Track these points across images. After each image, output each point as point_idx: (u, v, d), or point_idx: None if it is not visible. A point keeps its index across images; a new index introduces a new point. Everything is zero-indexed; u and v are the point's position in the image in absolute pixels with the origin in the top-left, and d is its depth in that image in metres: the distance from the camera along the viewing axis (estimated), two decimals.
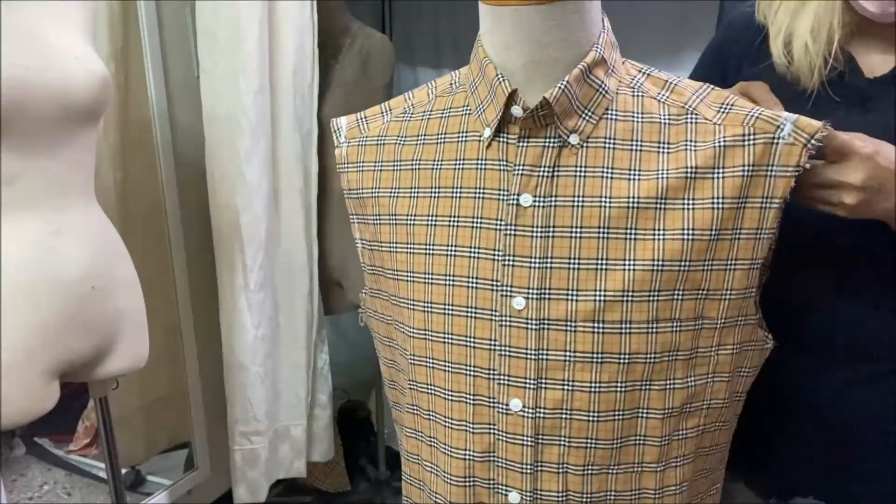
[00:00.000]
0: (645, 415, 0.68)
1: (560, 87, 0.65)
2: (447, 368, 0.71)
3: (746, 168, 0.65)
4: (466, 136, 0.71)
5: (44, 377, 1.04)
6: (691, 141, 0.66)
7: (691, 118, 0.67)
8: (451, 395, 0.71)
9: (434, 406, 0.73)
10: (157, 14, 1.50)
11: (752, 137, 0.65)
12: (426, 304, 0.71)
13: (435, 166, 0.72)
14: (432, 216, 0.71)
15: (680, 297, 0.66)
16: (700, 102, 0.68)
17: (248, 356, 1.62)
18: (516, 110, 0.66)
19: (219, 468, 1.79)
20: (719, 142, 0.65)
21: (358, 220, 0.79)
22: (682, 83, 0.70)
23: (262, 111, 1.50)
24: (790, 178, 0.64)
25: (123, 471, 1.60)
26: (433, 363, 0.72)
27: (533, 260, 0.66)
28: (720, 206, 0.65)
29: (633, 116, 0.68)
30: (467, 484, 0.72)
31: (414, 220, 0.71)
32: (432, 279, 0.70)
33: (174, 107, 1.57)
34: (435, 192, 0.71)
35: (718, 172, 0.65)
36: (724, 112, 0.67)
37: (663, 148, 0.66)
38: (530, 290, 0.66)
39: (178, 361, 1.69)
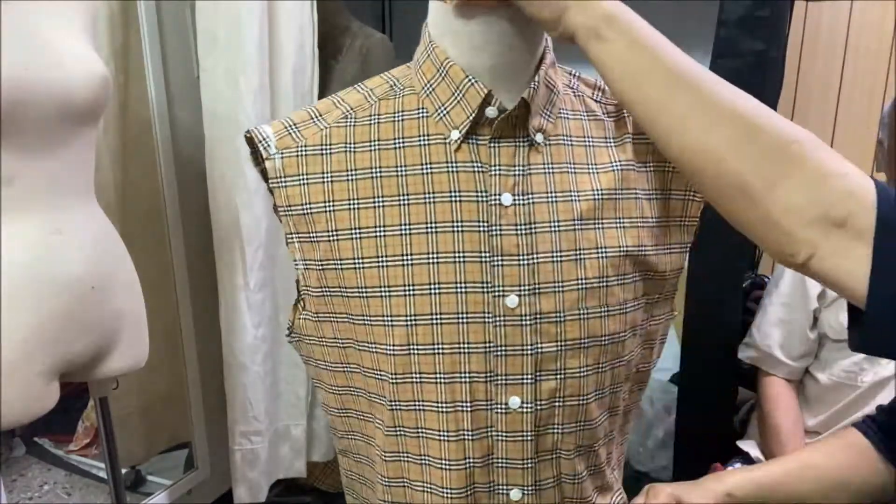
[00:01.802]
0: (619, 389, 0.74)
1: (533, 88, 0.67)
2: (438, 380, 0.68)
3: (669, 164, 0.72)
4: (429, 140, 0.69)
5: (44, 377, 1.04)
6: (630, 133, 0.73)
7: (627, 113, 0.73)
8: (446, 407, 0.69)
9: (424, 422, 0.70)
10: (157, 14, 1.50)
11: None
12: (408, 318, 0.67)
13: (399, 172, 0.68)
14: (405, 225, 0.67)
15: (640, 279, 0.72)
16: None
17: (248, 356, 1.61)
18: (491, 111, 0.67)
19: (219, 468, 1.79)
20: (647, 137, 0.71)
21: (301, 238, 0.71)
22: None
23: (262, 111, 1.50)
24: None
25: (123, 471, 1.60)
26: (421, 378, 0.69)
27: (521, 257, 0.67)
28: (655, 196, 0.72)
29: (581, 115, 0.72)
30: (468, 493, 0.71)
31: (384, 230, 0.67)
32: (414, 290, 0.67)
33: (174, 107, 1.57)
34: (404, 200, 0.68)
35: (649, 167, 0.73)
36: None
37: (609, 143, 0.72)
38: (521, 287, 0.67)
39: (178, 361, 1.69)
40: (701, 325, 1.46)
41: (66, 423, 1.97)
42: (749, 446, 1.39)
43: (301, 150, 0.70)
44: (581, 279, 0.68)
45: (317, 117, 0.72)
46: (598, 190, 0.69)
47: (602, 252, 0.69)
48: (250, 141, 0.73)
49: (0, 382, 0.98)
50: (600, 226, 0.69)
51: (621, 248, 0.69)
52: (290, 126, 0.71)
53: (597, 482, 0.76)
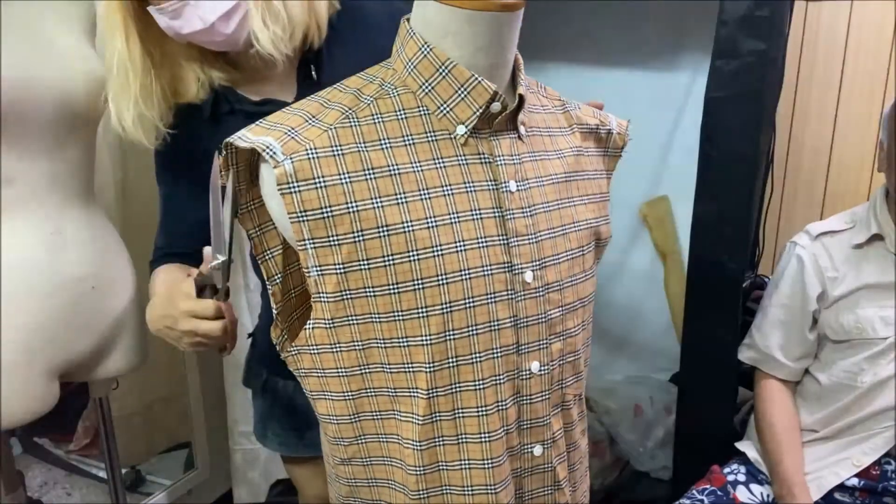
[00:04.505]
0: (590, 342, 0.87)
1: (525, 85, 0.77)
2: (475, 360, 0.73)
3: (601, 149, 0.88)
4: (436, 136, 0.73)
5: (44, 377, 1.04)
6: (576, 124, 0.85)
7: (572, 106, 0.86)
8: (483, 384, 0.74)
9: (461, 402, 0.74)
10: None
11: (603, 127, 0.88)
12: (443, 306, 0.71)
13: (415, 168, 0.71)
14: (431, 218, 0.70)
15: (594, 246, 0.84)
16: (567, 99, 0.87)
17: None
18: (496, 107, 0.72)
19: (219, 468, 1.80)
20: (586, 126, 0.86)
21: (316, 244, 0.69)
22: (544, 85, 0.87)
23: None
24: (618, 157, 0.91)
25: (123, 471, 1.60)
26: (457, 361, 0.72)
27: (529, 237, 0.75)
28: (597, 175, 0.86)
29: (538, 108, 0.82)
30: (503, 459, 0.76)
31: (412, 225, 0.70)
32: (447, 279, 0.70)
33: None
34: (425, 194, 0.71)
35: (591, 151, 0.86)
36: (577, 107, 0.88)
37: (564, 131, 0.84)
38: (533, 263, 0.75)
39: (178, 361, 1.69)
40: (701, 325, 1.46)
41: (66, 423, 1.96)
42: (747, 447, 1.39)
43: (311, 154, 0.69)
44: (569, 251, 0.79)
45: (312, 119, 0.72)
46: (565, 173, 0.81)
47: (577, 226, 0.81)
48: (232, 147, 0.71)
49: (0, 382, 0.98)
50: (572, 203, 0.81)
51: (587, 221, 0.82)
52: (290, 130, 0.70)
53: (582, 425, 0.88)
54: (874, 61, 1.67)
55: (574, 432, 0.85)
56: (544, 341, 0.77)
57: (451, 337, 0.72)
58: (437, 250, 0.70)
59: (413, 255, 0.70)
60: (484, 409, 0.74)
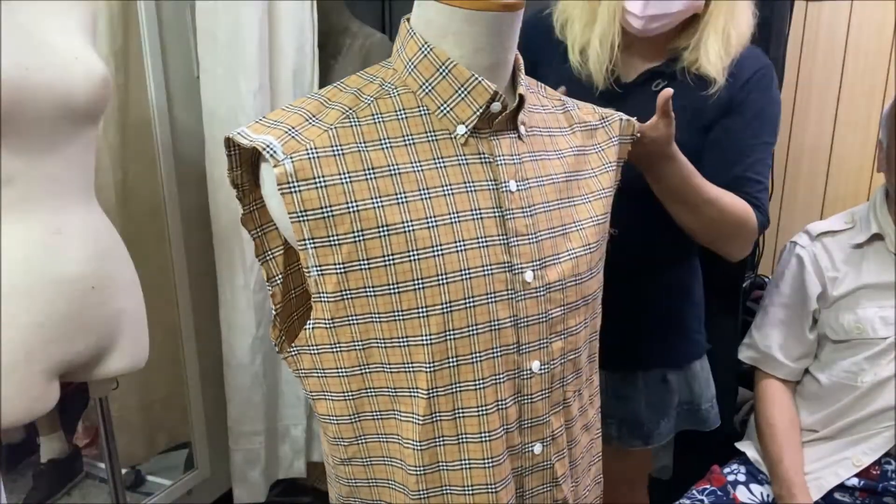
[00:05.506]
0: (595, 338, 0.88)
1: (525, 85, 0.78)
2: (475, 360, 0.73)
3: (609, 140, 0.88)
4: (436, 136, 0.73)
5: (44, 377, 1.04)
6: (577, 123, 0.86)
7: (571, 106, 0.87)
8: (483, 383, 0.74)
9: (461, 402, 0.74)
10: (157, 14, 1.50)
11: (608, 119, 0.89)
12: (444, 306, 0.71)
13: (415, 168, 0.71)
14: (431, 218, 0.71)
15: (601, 244, 0.85)
16: (567, 99, 0.88)
17: (248, 356, 1.62)
18: (496, 107, 0.73)
19: (219, 468, 1.80)
20: (588, 125, 0.87)
21: (317, 243, 0.69)
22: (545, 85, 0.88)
23: (262, 111, 1.50)
24: (628, 144, 0.91)
25: (123, 471, 1.60)
26: (458, 361, 0.73)
27: (530, 236, 0.75)
28: (598, 172, 0.86)
29: (539, 108, 0.83)
30: (503, 458, 0.76)
31: (412, 225, 0.70)
32: (447, 279, 0.71)
33: (174, 107, 1.57)
34: (425, 194, 0.71)
35: (593, 149, 0.87)
36: (576, 106, 0.88)
37: (564, 131, 0.84)
38: (533, 263, 0.75)
39: (178, 361, 1.69)
40: None
41: (66, 423, 1.96)
42: (747, 447, 1.39)
43: (311, 154, 0.69)
44: (570, 250, 0.79)
45: (312, 118, 0.72)
46: (565, 172, 0.81)
47: (579, 225, 0.81)
48: (236, 147, 0.71)
49: (0, 382, 0.99)
50: (572, 203, 0.81)
51: (590, 219, 0.83)
52: (291, 130, 0.70)
53: (582, 420, 0.88)
54: (874, 61, 1.67)
55: (574, 429, 0.85)
56: (545, 340, 0.77)
57: (452, 337, 0.72)
58: (438, 250, 0.70)
59: (413, 255, 0.70)
60: (484, 408, 0.74)
